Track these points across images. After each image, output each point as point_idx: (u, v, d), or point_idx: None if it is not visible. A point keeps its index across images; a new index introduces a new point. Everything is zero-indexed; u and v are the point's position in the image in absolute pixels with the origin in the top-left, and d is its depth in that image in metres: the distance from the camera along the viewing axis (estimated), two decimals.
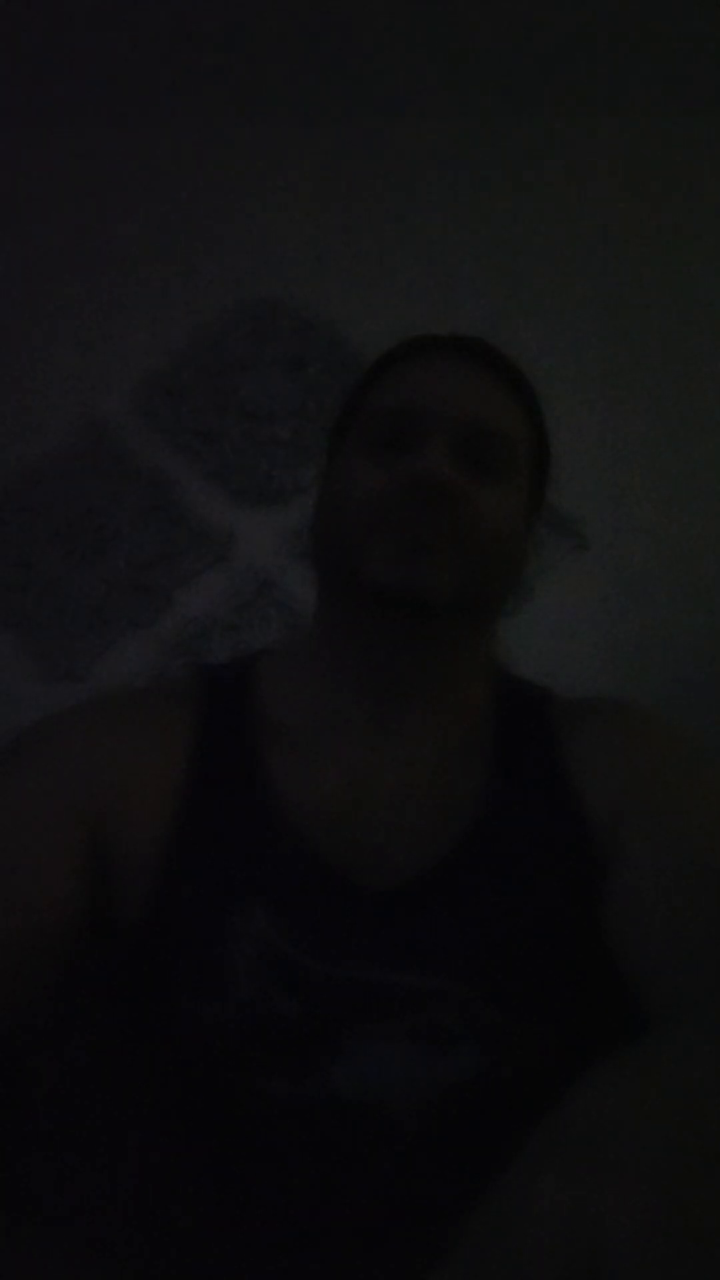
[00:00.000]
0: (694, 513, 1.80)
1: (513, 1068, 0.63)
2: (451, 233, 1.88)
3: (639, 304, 1.86)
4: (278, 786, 0.68)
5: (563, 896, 0.66)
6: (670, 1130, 0.37)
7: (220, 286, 1.87)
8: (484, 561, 0.68)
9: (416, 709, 0.71)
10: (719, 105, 1.86)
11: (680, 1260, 0.33)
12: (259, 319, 1.87)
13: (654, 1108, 0.38)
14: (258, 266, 1.87)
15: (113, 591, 1.79)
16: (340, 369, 1.78)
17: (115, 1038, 0.73)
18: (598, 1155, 0.36)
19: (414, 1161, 0.62)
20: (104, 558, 1.80)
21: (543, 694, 0.78)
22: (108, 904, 0.65)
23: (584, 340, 1.84)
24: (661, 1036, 0.46)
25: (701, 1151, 0.36)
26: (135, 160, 1.91)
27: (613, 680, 1.67)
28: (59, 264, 1.89)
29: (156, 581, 1.79)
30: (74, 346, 1.86)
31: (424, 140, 1.90)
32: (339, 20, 1.74)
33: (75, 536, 1.81)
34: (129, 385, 1.86)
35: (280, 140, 1.89)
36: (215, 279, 1.88)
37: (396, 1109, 0.62)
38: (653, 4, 1.69)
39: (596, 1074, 0.41)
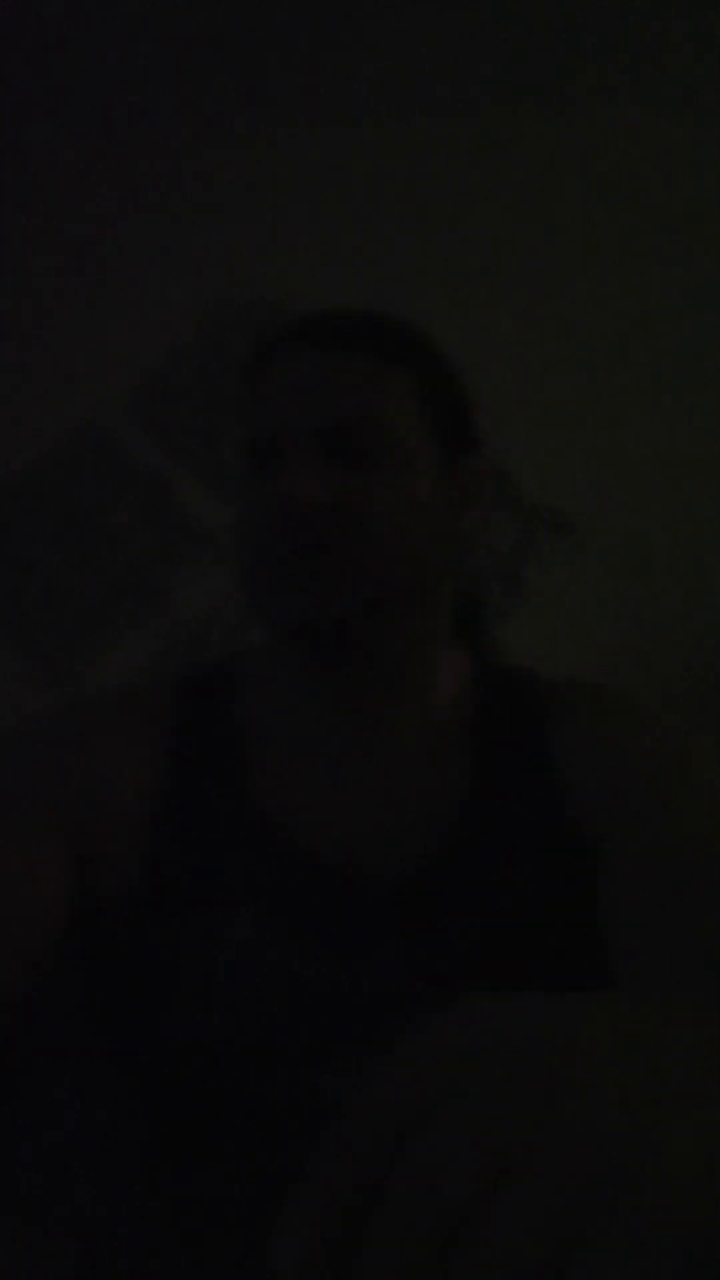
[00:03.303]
0: (694, 512, 1.80)
1: None
2: (452, 232, 1.88)
3: (641, 303, 1.86)
4: (258, 792, 0.67)
5: (551, 894, 0.64)
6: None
7: (220, 286, 1.87)
8: (378, 563, 0.64)
9: (381, 712, 0.69)
10: (702, 99, 1.87)
11: None
12: (259, 319, 1.87)
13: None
14: (258, 266, 1.87)
15: (113, 591, 1.79)
16: None
17: (104, 1044, 0.72)
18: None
19: None
20: (104, 558, 1.80)
21: (526, 680, 0.75)
22: (90, 910, 0.64)
23: (585, 339, 1.84)
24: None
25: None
26: (135, 159, 1.91)
27: (612, 679, 1.67)
28: (57, 264, 1.89)
29: (156, 581, 1.79)
30: (73, 347, 1.86)
31: (426, 140, 1.90)
32: (341, 19, 1.73)
33: (75, 537, 1.81)
34: (128, 386, 1.86)
35: (281, 140, 1.89)
36: (215, 279, 1.88)
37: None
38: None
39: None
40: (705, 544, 1.79)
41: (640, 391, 1.83)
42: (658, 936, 0.56)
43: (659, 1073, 0.27)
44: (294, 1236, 0.25)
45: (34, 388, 1.86)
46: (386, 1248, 0.24)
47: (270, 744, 0.70)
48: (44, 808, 0.63)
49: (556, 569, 1.74)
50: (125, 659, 1.75)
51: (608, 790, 0.65)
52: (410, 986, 0.62)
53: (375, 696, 0.69)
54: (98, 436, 1.85)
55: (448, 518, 0.69)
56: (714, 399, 1.83)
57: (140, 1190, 0.70)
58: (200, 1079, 0.64)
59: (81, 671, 1.75)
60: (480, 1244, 0.23)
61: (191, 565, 1.79)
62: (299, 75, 1.83)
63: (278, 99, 1.86)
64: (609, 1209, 0.23)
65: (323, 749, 0.69)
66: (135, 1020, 0.66)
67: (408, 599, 0.67)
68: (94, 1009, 0.72)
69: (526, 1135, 0.24)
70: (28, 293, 1.88)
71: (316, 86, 1.84)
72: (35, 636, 1.78)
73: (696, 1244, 0.23)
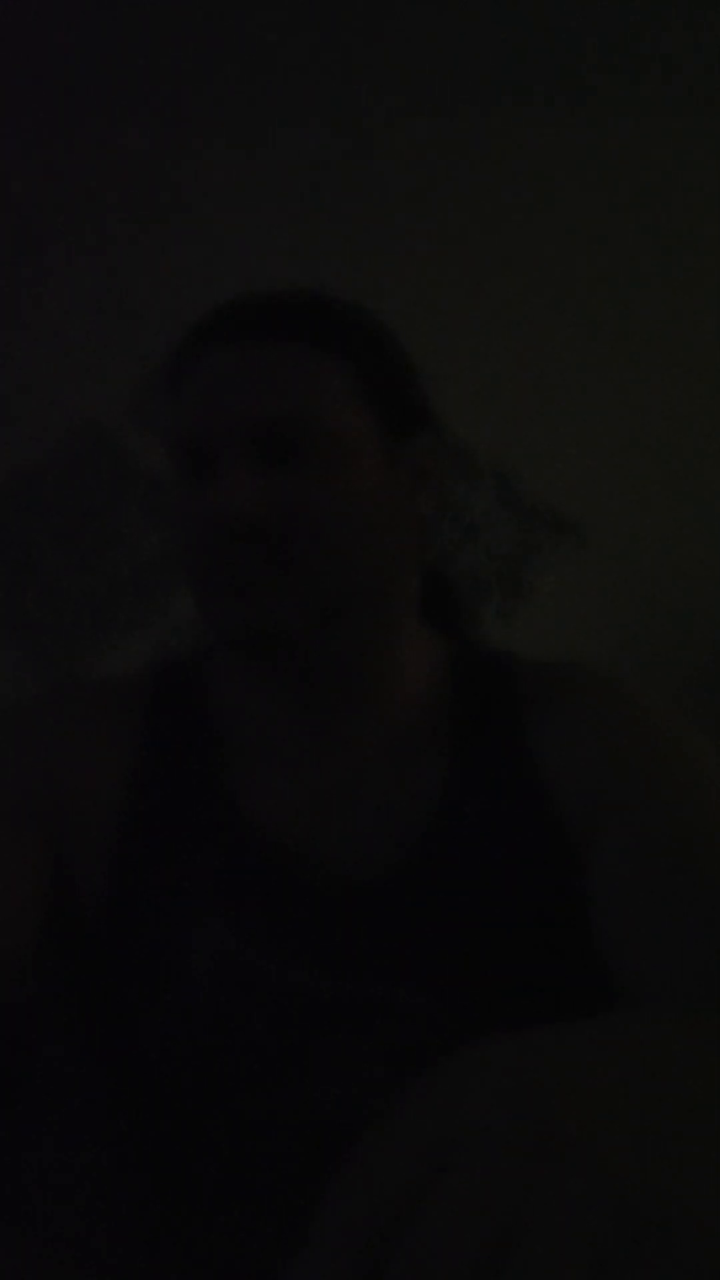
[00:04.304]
0: (694, 510, 1.79)
1: None
2: (451, 232, 1.88)
3: (641, 303, 1.85)
4: (231, 793, 0.65)
5: (533, 891, 0.62)
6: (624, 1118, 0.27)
7: (220, 286, 1.87)
8: (321, 567, 0.60)
9: (346, 711, 0.66)
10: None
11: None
12: None
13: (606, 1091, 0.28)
14: (257, 266, 1.87)
15: (113, 592, 1.80)
16: None
17: (93, 1051, 0.71)
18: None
19: None
20: (104, 558, 1.80)
21: (503, 665, 0.70)
22: (69, 911, 0.63)
23: (585, 338, 1.84)
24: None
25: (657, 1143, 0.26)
26: (135, 158, 1.91)
27: None
28: (58, 264, 1.89)
29: (156, 582, 1.79)
30: (74, 347, 1.86)
31: (425, 140, 1.90)
32: (340, 19, 1.73)
33: (75, 537, 1.81)
34: (129, 386, 1.86)
35: (281, 139, 1.89)
36: (215, 279, 1.87)
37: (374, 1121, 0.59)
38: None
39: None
40: (705, 543, 1.79)
41: (641, 391, 1.83)
42: (650, 939, 0.54)
43: (670, 1109, 0.26)
44: None
45: (35, 387, 1.86)
46: None
47: (243, 742, 0.67)
48: (18, 805, 0.62)
49: (556, 569, 1.74)
50: (125, 659, 1.75)
51: (593, 784, 0.62)
52: (390, 990, 0.60)
53: (335, 698, 0.66)
54: (99, 436, 1.85)
55: (400, 504, 0.65)
56: (714, 399, 1.83)
57: (136, 1200, 0.69)
58: (185, 1086, 0.63)
59: (82, 670, 1.76)
60: None
61: None
62: (298, 75, 1.83)
63: (276, 99, 1.86)
64: (628, 1261, 0.22)
65: (296, 747, 0.66)
66: (118, 1026, 0.65)
67: (361, 598, 0.64)
68: (77, 1014, 0.71)
69: (539, 1190, 0.23)
70: (29, 293, 1.89)
71: (316, 86, 1.84)
72: (36, 636, 1.78)
73: None
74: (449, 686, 0.69)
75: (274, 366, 0.61)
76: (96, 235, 1.90)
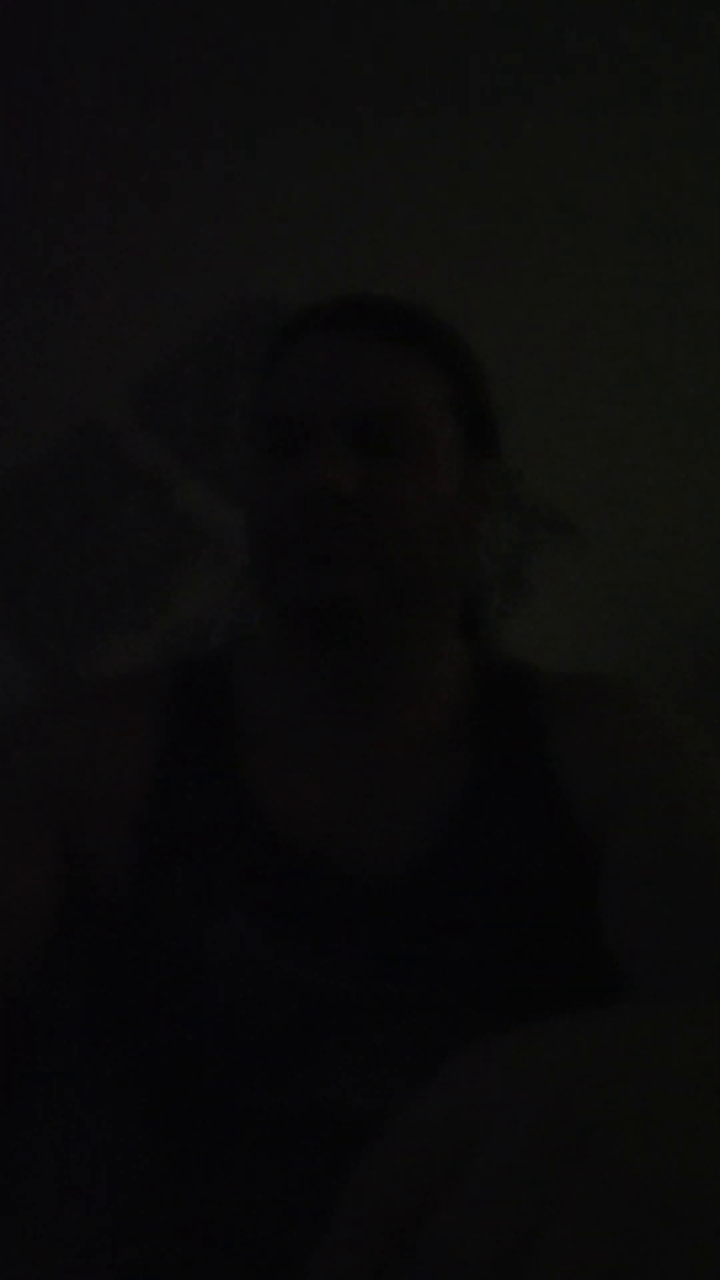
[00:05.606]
0: (695, 511, 1.80)
1: None
2: (452, 231, 1.88)
3: (641, 303, 1.86)
4: (253, 790, 0.66)
5: (550, 894, 0.63)
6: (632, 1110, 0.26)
7: (220, 286, 1.87)
8: (398, 553, 0.63)
9: (382, 707, 0.68)
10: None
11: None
12: (259, 319, 1.87)
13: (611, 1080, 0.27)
14: (258, 266, 1.87)
15: (113, 592, 1.79)
16: None
17: (104, 1046, 0.71)
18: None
19: None
20: (104, 558, 1.80)
21: (524, 675, 0.73)
22: (85, 906, 0.64)
23: (585, 338, 1.84)
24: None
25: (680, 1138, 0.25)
26: (135, 160, 1.92)
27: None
28: (58, 264, 1.89)
29: (156, 582, 1.79)
30: (74, 347, 1.86)
31: (425, 139, 1.90)
32: (341, 19, 1.73)
33: (75, 537, 1.81)
34: (129, 386, 1.86)
35: (281, 140, 1.90)
36: (215, 279, 1.88)
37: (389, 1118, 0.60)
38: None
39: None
40: (706, 543, 1.79)
41: (640, 390, 1.83)
42: (662, 937, 0.54)
43: (690, 1104, 0.26)
44: None
45: (36, 388, 1.86)
46: None
47: (265, 738, 0.68)
48: (36, 799, 0.62)
49: (557, 569, 1.74)
50: (125, 659, 1.75)
51: (608, 788, 0.64)
52: (407, 988, 0.61)
53: (377, 689, 0.68)
54: (99, 436, 1.85)
55: (466, 516, 0.68)
56: (714, 398, 1.83)
57: (149, 1194, 0.69)
58: (201, 1081, 0.63)
59: (82, 670, 1.75)
60: None
61: (191, 565, 1.79)
62: (298, 75, 1.83)
63: (278, 99, 1.86)
64: (649, 1259, 0.22)
65: (319, 744, 0.68)
66: (132, 1021, 0.66)
67: (421, 592, 0.66)
68: (93, 1009, 0.71)
69: (559, 1187, 0.23)
70: (30, 293, 1.89)
71: (316, 86, 1.84)
72: (36, 636, 1.78)
73: None
74: (472, 692, 0.71)
75: (382, 361, 0.65)
76: (98, 236, 1.90)
